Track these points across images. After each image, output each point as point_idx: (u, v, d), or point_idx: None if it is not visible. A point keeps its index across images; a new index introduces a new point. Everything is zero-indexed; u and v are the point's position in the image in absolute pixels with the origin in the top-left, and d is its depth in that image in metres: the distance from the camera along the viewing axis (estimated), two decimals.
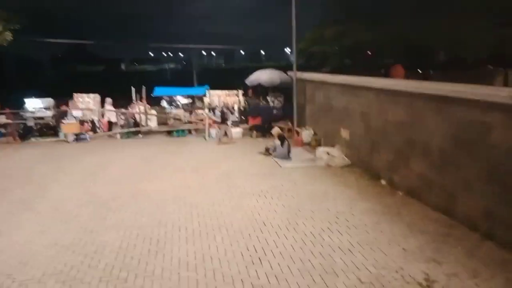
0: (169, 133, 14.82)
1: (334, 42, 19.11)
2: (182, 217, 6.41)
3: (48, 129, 14.66)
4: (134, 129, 14.62)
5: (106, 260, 4.95)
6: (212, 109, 15.53)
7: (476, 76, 13.07)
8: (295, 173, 8.88)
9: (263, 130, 13.81)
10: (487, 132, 5.20)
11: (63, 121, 14.25)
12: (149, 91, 16.07)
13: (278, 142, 10.39)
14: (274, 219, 6.21)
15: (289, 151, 10.27)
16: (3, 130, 14.15)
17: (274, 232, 5.72)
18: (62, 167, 10.04)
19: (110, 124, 15.09)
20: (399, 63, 16.35)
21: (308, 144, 11.66)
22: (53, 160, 10.96)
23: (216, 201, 7.11)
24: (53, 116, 14.90)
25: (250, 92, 17.36)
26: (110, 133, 14.68)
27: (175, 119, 15.28)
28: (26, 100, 15.47)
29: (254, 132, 14.09)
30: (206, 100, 16.15)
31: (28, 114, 14.72)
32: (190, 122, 15.07)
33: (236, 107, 15.92)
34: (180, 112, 15.87)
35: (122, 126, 14.81)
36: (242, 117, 15.66)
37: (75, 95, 15.56)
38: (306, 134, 11.97)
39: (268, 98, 16.08)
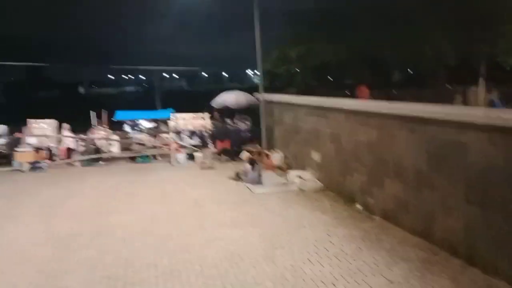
0: (133, 159, 14.18)
1: (299, 62, 19.32)
2: (151, 253, 5.94)
3: (0, 158, 13.66)
4: (95, 156, 13.91)
5: None
6: (177, 133, 15.07)
7: (438, 95, 13.49)
8: (268, 199, 8.61)
9: (232, 154, 13.51)
10: (463, 152, 5.16)
11: (16, 149, 13.34)
12: (110, 115, 15.41)
13: (248, 166, 10.14)
14: (251, 251, 5.87)
15: (260, 175, 10.02)
16: None
17: (251, 266, 5.37)
18: (16, 200, 9.25)
19: (69, 151, 14.28)
20: (362, 82, 16.67)
21: (279, 167, 11.47)
22: (6, 192, 10.12)
23: (187, 233, 6.70)
24: (6, 144, 13.93)
25: (216, 114, 17.07)
26: (69, 160, 13.86)
27: (138, 144, 14.70)
28: None
29: (223, 156, 13.76)
30: (172, 124, 15.68)
31: None
32: (154, 147, 14.53)
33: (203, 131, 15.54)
34: (143, 137, 15.30)
35: (82, 153, 14.04)
36: (210, 140, 15.29)
37: (30, 121, 14.66)
38: (276, 157, 11.78)
39: (235, 121, 15.86)
